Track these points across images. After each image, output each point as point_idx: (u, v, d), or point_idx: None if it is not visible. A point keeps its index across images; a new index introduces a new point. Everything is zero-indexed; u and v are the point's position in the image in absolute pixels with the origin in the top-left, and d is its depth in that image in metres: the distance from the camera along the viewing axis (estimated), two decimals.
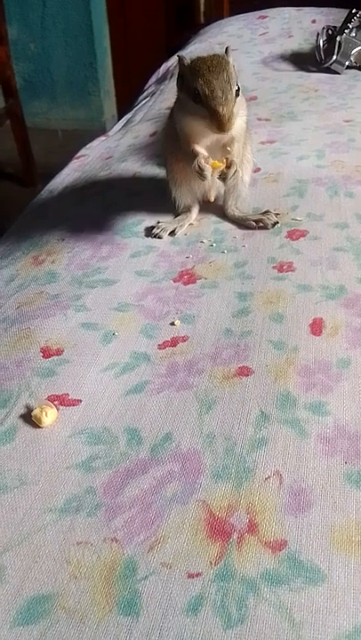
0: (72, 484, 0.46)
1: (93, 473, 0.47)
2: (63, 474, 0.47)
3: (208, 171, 0.70)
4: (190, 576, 0.40)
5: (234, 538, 0.42)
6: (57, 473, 0.47)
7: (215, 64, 0.66)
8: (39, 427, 0.50)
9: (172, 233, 0.79)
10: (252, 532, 0.42)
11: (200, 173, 0.70)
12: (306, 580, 0.39)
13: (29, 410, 0.52)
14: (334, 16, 1.59)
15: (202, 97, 0.65)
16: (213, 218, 0.82)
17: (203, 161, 0.70)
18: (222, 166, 0.71)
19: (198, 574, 0.40)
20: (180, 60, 0.70)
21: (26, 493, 0.45)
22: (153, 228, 0.79)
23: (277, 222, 0.78)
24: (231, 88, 0.65)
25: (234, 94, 0.66)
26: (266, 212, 0.79)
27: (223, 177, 0.72)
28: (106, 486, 0.46)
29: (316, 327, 0.60)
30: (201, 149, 0.71)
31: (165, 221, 0.80)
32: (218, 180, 0.78)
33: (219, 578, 0.40)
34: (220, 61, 0.67)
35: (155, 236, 0.78)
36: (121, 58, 2.54)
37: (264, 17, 1.74)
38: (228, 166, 0.71)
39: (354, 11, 1.39)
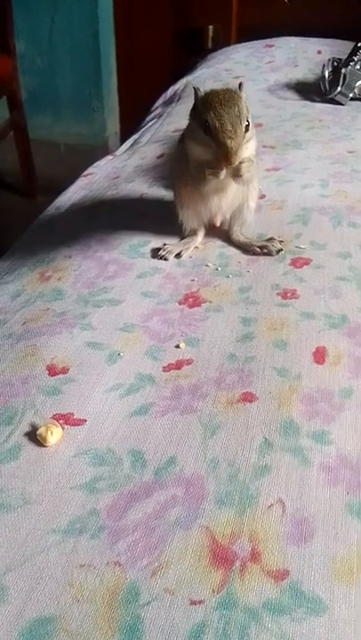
0: (76, 505, 0.46)
1: (97, 494, 0.47)
2: (67, 494, 0.47)
3: (221, 171, 0.70)
4: (193, 603, 0.40)
5: (237, 566, 0.42)
6: (61, 493, 0.47)
7: (227, 98, 0.68)
8: (44, 445, 0.51)
9: (178, 255, 0.80)
10: (254, 560, 0.42)
11: (213, 174, 0.70)
12: (307, 610, 0.40)
13: (34, 428, 0.52)
14: (339, 48, 1.63)
15: (212, 129, 0.67)
16: (219, 242, 0.83)
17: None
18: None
19: (201, 601, 0.40)
20: (195, 91, 0.72)
21: (29, 513, 0.45)
22: (159, 249, 0.80)
23: (281, 249, 0.79)
24: (241, 122, 0.67)
25: (243, 129, 0.67)
26: (270, 239, 0.80)
27: (236, 172, 0.70)
28: (109, 509, 0.46)
29: (319, 355, 0.61)
30: None
31: (171, 244, 0.81)
32: (224, 205, 0.80)
33: (221, 606, 0.40)
34: (233, 96, 0.69)
35: (161, 258, 0.79)
36: (126, 76, 2.58)
37: (271, 46, 1.78)
38: (241, 163, 0.69)
39: (360, 44, 1.43)
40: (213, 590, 0.41)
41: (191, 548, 0.43)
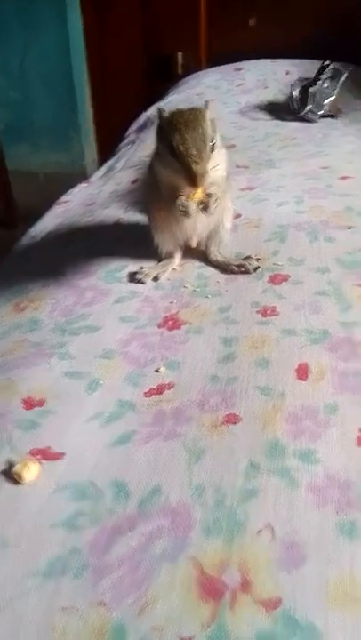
0: (56, 544, 0.44)
1: (78, 531, 0.45)
2: (46, 533, 0.45)
3: (191, 208, 0.71)
4: None
5: (226, 597, 0.40)
6: (39, 533, 0.45)
7: (192, 119, 0.68)
8: (20, 483, 0.49)
9: (156, 278, 0.79)
10: (245, 590, 0.41)
11: (184, 212, 0.71)
12: (302, 638, 0.38)
13: (11, 465, 0.50)
14: (307, 67, 1.67)
15: (177, 154, 0.67)
16: (196, 263, 0.83)
17: (185, 199, 0.71)
18: (202, 196, 0.71)
19: (190, 638, 0.38)
20: (160, 112, 0.72)
21: (7, 556, 0.43)
22: (136, 273, 0.79)
23: (259, 267, 0.79)
24: (206, 144, 0.67)
25: (208, 150, 0.67)
26: (248, 257, 0.80)
27: (205, 207, 0.71)
28: (92, 545, 0.44)
29: (302, 372, 0.60)
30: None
31: (149, 267, 0.81)
32: (199, 227, 0.80)
33: None
34: (197, 116, 0.68)
35: (138, 282, 0.78)
36: (101, 104, 2.61)
37: (240, 69, 1.81)
38: (208, 196, 0.71)
39: (326, 63, 1.46)
40: (203, 625, 0.39)
41: (179, 581, 0.41)
